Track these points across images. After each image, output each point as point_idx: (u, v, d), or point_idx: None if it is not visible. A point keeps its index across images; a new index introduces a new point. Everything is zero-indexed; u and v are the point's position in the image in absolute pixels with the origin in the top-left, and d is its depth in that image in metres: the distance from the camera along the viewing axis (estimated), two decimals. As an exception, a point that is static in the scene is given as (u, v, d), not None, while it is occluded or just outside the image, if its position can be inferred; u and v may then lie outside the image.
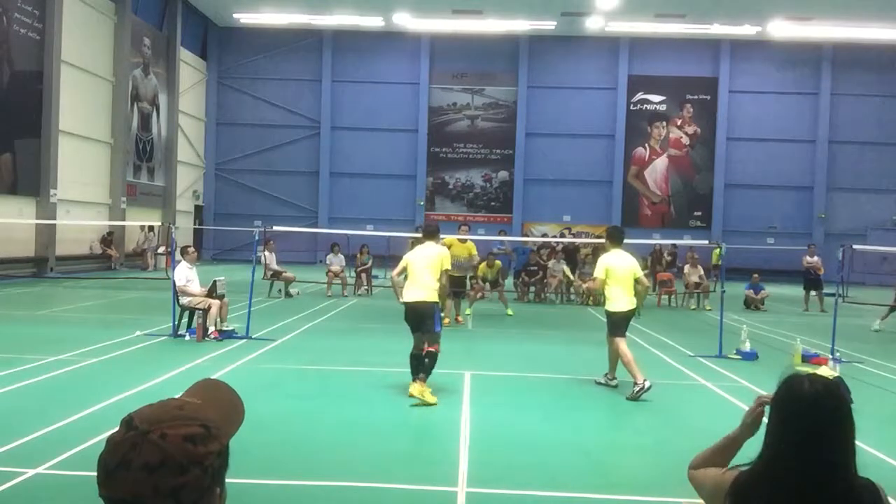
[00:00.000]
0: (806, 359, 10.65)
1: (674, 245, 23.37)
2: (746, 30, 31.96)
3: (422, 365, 7.79)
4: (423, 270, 8.14)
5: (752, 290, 19.43)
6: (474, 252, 14.72)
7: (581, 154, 34.25)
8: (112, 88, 26.94)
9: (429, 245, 8.46)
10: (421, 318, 8.10)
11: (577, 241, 23.91)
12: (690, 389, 9.12)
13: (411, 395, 7.56)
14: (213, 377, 1.45)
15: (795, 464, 2.01)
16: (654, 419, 7.50)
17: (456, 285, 14.08)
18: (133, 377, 8.15)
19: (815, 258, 19.46)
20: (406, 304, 8.16)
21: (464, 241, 14.66)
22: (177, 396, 1.33)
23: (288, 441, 6.29)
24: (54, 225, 22.70)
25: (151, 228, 27.84)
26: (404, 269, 8.35)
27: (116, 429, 1.21)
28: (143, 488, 1.14)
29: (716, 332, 11.75)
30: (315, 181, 34.86)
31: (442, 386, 8.18)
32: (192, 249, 12.61)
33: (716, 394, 8.81)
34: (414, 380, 7.84)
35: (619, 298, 8.83)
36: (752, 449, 2.25)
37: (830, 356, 10.46)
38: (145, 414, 1.20)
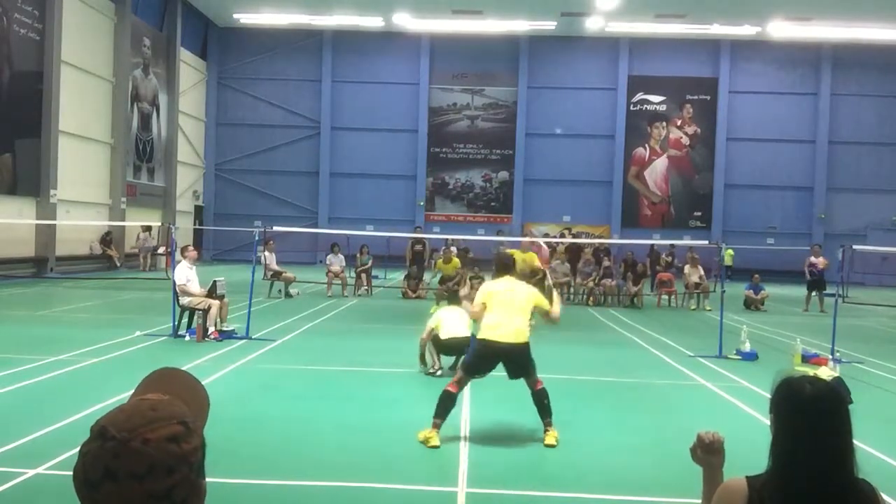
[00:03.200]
0: (806, 359, 10.64)
1: (671, 245, 23.39)
2: (746, 30, 31.96)
3: (540, 409, 6.53)
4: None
5: (751, 291, 19.43)
6: (537, 263, 15.31)
7: (581, 154, 34.25)
8: (112, 88, 26.94)
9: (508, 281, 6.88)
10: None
11: (580, 241, 23.90)
12: (690, 389, 9.13)
13: (549, 445, 6.31)
14: (168, 367, 1.42)
15: (798, 466, 2.01)
16: (654, 419, 7.50)
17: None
18: (133, 377, 8.07)
19: (821, 258, 19.46)
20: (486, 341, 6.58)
21: (526, 251, 15.51)
22: (136, 392, 1.29)
23: (288, 441, 6.30)
24: (54, 225, 22.69)
25: (148, 229, 27.78)
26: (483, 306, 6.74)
27: (87, 438, 1.17)
28: (133, 496, 1.13)
29: (716, 333, 11.75)
30: (315, 181, 34.86)
31: (442, 386, 8.16)
32: (192, 249, 12.63)
33: (716, 394, 8.81)
34: (435, 424, 6.31)
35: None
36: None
37: (830, 356, 10.46)
38: (119, 421, 1.17)
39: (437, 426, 6.27)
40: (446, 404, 6.39)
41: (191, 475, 1.18)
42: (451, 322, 9.55)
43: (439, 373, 9.23)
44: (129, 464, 1.13)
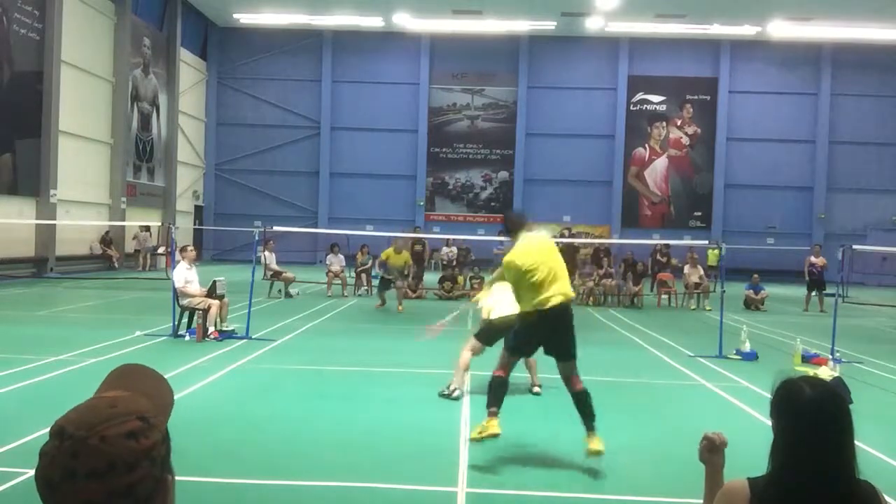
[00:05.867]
0: (806, 359, 10.65)
1: (666, 245, 23.32)
2: (746, 30, 31.97)
3: (581, 410, 5.97)
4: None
5: (751, 291, 19.44)
6: (410, 262, 18.08)
7: (581, 154, 34.26)
8: (112, 88, 26.94)
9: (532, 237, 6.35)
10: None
11: (577, 241, 23.88)
12: (690, 389, 9.12)
13: (593, 452, 5.73)
14: (131, 363, 1.40)
15: (799, 469, 2.00)
16: (654, 419, 7.50)
17: (387, 284, 17.12)
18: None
19: (820, 258, 19.48)
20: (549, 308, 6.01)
21: (399, 252, 17.52)
22: (99, 390, 1.28)
23: (288, 441, 6.29)
24: (54, 225, 22.70)
25: (147, 228, 27.78)
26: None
27: (47, 441, 1.16)
28: (95, 495, 1.11)
29: (716, 333, 11.75)
30: (315, 181, 34.86)
31: (442, 385, 8.17)
32: (190, 248, 12.54)
33: (716, 394, 8.81)
34: (490, 414, 5.95)
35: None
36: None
37: (830, 356, 10.46)
38: (76, 419, 1.15)
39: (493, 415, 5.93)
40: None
41: (153, 471, 1.16)
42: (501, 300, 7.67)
43: (456, 394, 8.01)
44: (88, 462, 1.10)
